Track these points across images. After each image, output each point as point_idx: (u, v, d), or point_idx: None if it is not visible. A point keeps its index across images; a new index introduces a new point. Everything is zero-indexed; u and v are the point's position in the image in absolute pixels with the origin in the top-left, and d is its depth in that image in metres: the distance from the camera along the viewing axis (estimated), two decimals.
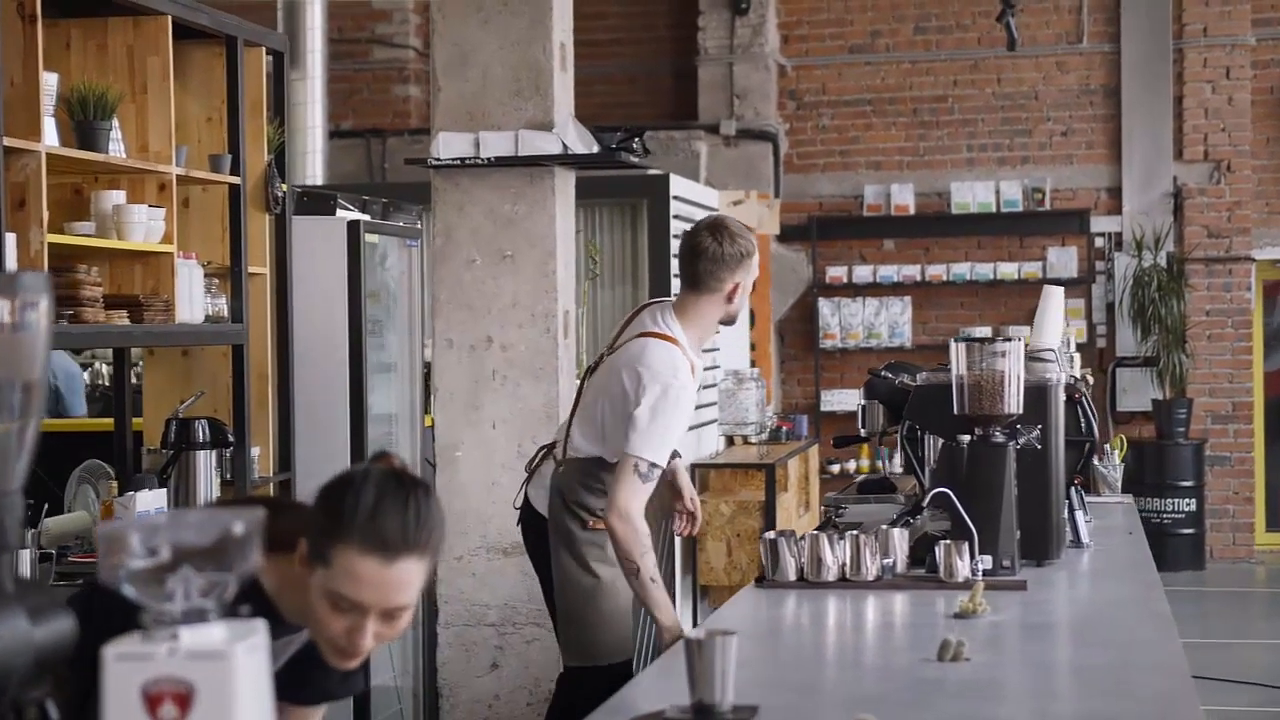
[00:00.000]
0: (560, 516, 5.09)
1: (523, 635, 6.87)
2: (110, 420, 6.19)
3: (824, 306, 13.88)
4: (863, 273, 13.85)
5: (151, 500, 5.43)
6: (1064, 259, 13.63)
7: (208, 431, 5.78)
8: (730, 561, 9.25)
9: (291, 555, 2.80)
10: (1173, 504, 13.20)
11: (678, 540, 8.52)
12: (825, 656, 3.98)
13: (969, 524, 4.70)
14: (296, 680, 3.08)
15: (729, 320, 5.16)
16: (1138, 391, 13.55)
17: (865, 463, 13.51)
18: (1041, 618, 4.26)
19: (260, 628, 1.97)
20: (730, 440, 10.76)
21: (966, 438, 4.85)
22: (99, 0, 5.40)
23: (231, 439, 5.90)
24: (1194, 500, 13.23)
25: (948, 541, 4.66)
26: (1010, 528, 4.77)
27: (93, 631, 2.08)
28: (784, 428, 11.28)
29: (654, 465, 4.85)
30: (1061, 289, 6.30)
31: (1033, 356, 5.69)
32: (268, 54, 6.36)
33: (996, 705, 3.27)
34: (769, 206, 12.92)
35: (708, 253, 5.03)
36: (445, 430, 6.64)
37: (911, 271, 13.78)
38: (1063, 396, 5.18)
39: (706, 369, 10.01)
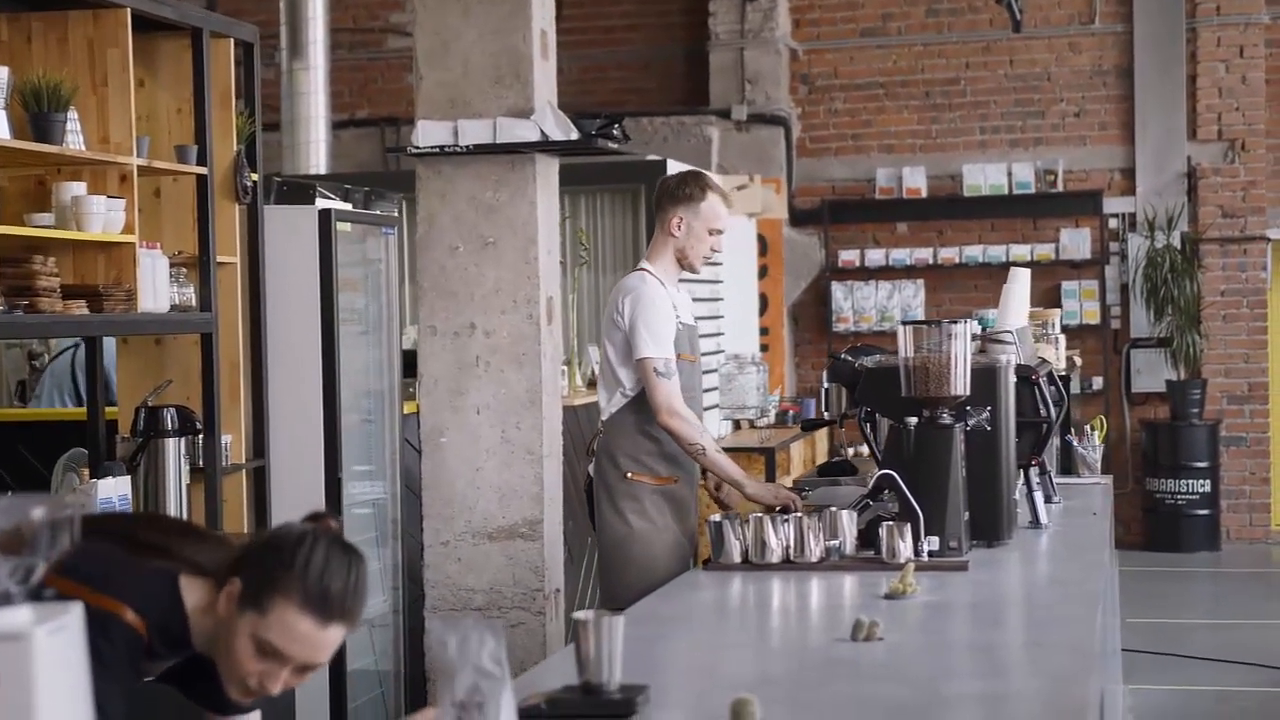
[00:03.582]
0: (604, 470, 5.67)
1: (508, 619, 6.90)
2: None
3: (837, 290, 13.88)
4: (875, 256, 13.85)
5: (115, 487, 5.50)
6: (1077, 240, 13.59)
7: (176, 419, 5.84)
8: None
9: (211, 581, 2.91)
10: (1187, 485, 13.17)
11: None
12: (740, 637, 4.01)
13: (914, 505, 4.72)
14: (211, 681, 3.13)
15: (685, 261, 5.71)
16: (1152, 373, 13.51)
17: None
18: (972, 598, 4.27)
19: (73, 610, 2.01)
20: (737, 424, 10.79)
21: (914, 420, 4.87)
22: None
23: (200, 426, 5.95)
24: (1209, 481, 13.19)
25: (890, 523, 4.68)
26: (957, 509, 4.79)
27: None
28: (790, 411, 11.29)
29: (666, 360, 5.51)
30: (1028, 270, 6.31)
31: (992, 338, 5.72)
32: (237, 45, 6.39)
33: (890, 684, 3.29)
34: (776, 191, 12.93)
35: (662, 186, 5.83)
36: (429, 417, 6.67)
37: (924, 254, 13.76)
38: (1013, 378, 5.19)
39: (708, 353, 10.03)
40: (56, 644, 1.96)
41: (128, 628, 2.82)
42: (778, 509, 5.28)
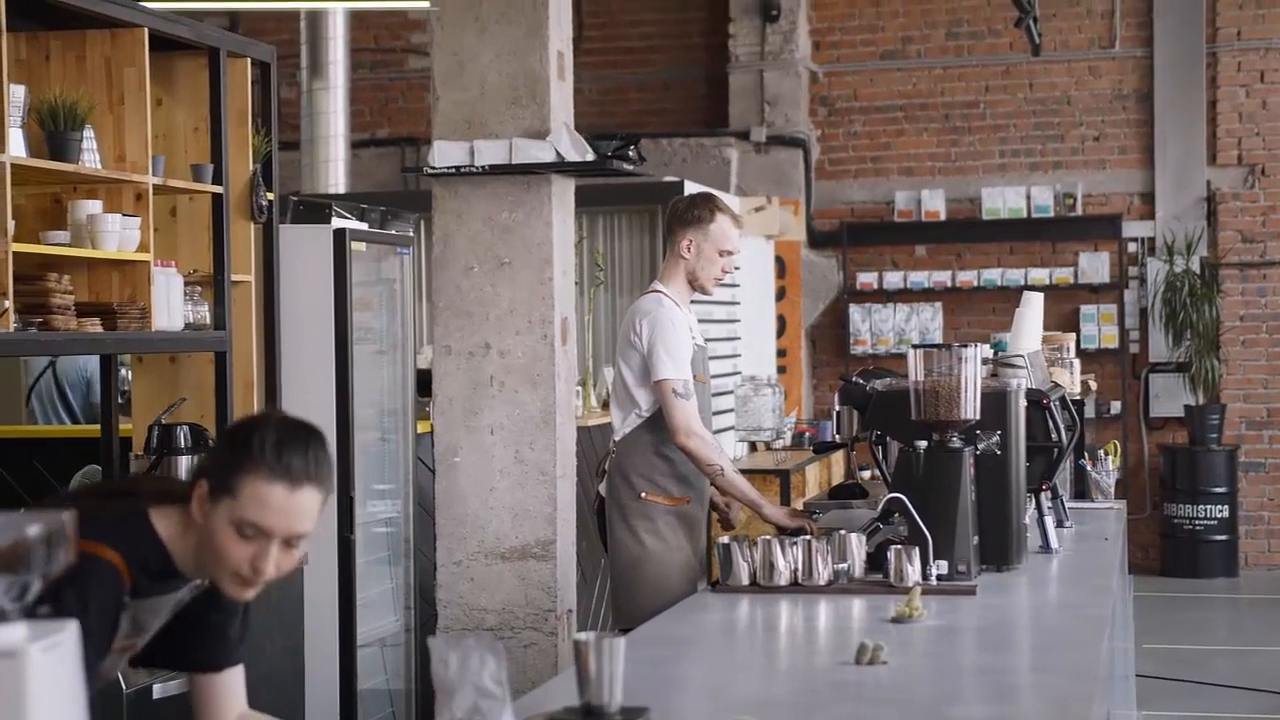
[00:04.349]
0: (617, 490, 5.71)
1: (520, 640, 6.90)
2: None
3: (855, 313, 13.88)
4: (893, 279, 13.84)
5: None
6: (1096, 264, 13.57)
7: (189, 437, 5.86)
8: None
9: (180, 506, 3.04)
10: (1205, 510, 13.12)
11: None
12: (746, 659, 4.01)
13: (923, 529, 4.72)
14: (194, 645, 3.20)
15: (696, 283, 5.75)
16: (1170, 397, 13.48)
17: None
18: (979, 622, 4.26)
19: (67, 628, 2.02)
20: (753, 446, 10.78)
21: (923, 443, 4.87)
22: (77, 13, 5.48)
23: (213, 444, 5.97)
24: (1227, 507, 13.14)
25: (899, 546, 4.68)
26: (966, 533, 4.78)
27: None
28: (807, 433, 11.28)
29: (685, 382, 5.54)
30: (1041, 295, 6.31)
31: (1003, 362, 5.71)
32: (254, 64, 6.42)
33: (893, 708, 3.29)
34: (795, 213, 12.94)
35: (672, 209, 5.89)
36: (443, 436, 6.68)
37: (942, 277, 13.75)
38: (1024, 402, 5.18)
39: (723, 375, 10.05)
40: (50, 661, 1.97)
41: (109, 565, 2.94)
42: (790, 531, 5.28)
